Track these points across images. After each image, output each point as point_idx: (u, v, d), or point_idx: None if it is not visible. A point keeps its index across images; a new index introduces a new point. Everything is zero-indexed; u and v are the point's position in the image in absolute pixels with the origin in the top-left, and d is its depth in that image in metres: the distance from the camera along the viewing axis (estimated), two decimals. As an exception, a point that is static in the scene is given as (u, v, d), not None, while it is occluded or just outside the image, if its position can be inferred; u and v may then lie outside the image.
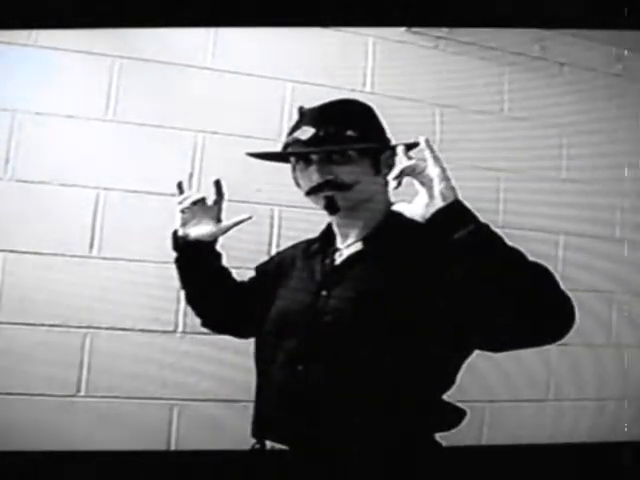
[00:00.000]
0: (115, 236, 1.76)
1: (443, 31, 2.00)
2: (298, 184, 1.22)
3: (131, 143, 1.80)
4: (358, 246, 1.18)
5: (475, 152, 1.96)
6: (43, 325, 1.69)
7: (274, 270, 1.31)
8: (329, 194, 1.15)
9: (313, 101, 1.20)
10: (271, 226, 1.84)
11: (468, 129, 1.99)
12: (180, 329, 1.76)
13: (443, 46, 2.02)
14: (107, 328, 1.73)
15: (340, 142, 1.14)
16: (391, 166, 1.17)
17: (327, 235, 1.25)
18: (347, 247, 1.20)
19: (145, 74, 1.82)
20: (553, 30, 2.04)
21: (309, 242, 1.29)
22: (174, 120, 1.81)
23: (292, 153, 1.19)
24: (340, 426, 1.09)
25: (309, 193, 1.18)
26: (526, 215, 1.98)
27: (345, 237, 1.21)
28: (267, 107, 1.87)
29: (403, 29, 1.97)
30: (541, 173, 2.04)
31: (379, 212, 1.18)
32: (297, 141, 1.16)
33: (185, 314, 1.74)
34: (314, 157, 1.15)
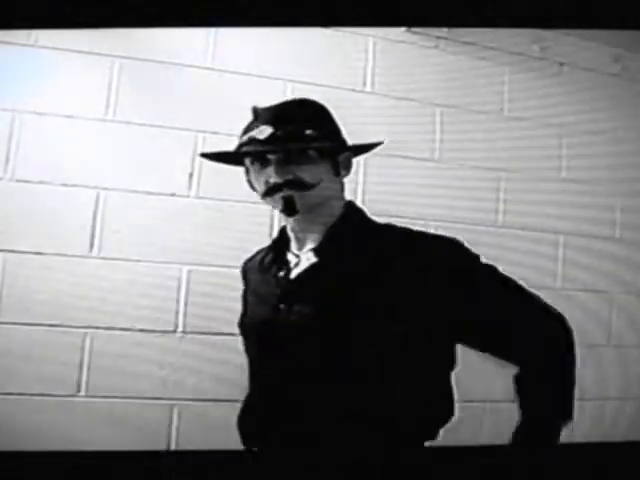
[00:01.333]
0: (115, 236, 1.76)
1: (443, 31, 2.00)
2: (253, 187, 1.18)
3: (131, 143, 1.80)
4: (315, 254, 1.14)
5: (475, 152, 1.96)
6: (43, 325, 1.69)
7: (243, 280, 1.31)
8: (288, 194, 1.10)
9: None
10: (271, 226, 1.84)
11: (468, 129, 1.99)
12: (180, 329, 1.76)
13: (443, 46, 2.02)
14: (107, 328, 1.73)
15: (300, 141, 1.10)
16: (348, 167, 1.17)
17: (281, 242, 1.21)
18: (305, 253, 1.16)
19: (145, 74, 1.81)
20: (553, 30, 2.04)
21: (267, 251, 1.26)
22: (174, 120, 1.81)
23: (250, 152, 1.13)
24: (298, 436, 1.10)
25: (267, 194, 1.13)
26: (526, 215, 1.98)
27: (301, 242, 1.17)
28: (267, 107, 1.87)
29: (403, 29, 1.97)
30: (541, 173, 2.04)
31: (335, 216, 1.15)
32: (253, 140, 1.11)
33: (185, 314, 1.74)
34: (272, 157, 1.11)
